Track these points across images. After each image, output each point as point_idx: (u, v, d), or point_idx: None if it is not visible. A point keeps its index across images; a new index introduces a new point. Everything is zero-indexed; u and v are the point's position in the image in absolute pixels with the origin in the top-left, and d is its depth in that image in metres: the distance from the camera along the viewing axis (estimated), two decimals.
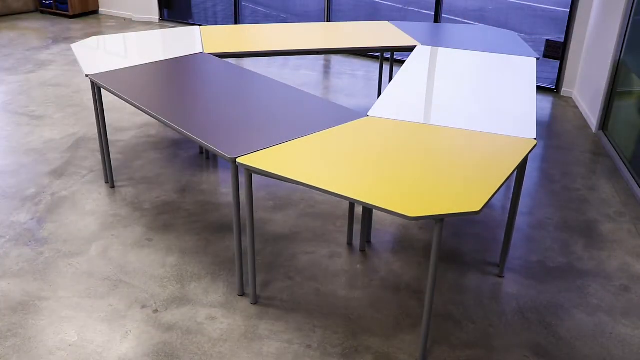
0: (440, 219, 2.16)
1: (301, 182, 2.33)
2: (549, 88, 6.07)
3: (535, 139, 2.77)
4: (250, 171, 2.49)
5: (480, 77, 3.61)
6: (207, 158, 4.29)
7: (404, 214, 2.12)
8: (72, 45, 4.09)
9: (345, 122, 2.91)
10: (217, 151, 2.57)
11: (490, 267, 3.17)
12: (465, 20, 10.69)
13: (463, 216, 2.44)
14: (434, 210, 2.15)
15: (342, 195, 2.24)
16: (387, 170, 2.44)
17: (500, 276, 3.07)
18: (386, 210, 2.15)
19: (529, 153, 2.63)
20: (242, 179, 3.98)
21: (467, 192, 2.28)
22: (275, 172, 2.40)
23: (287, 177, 2.37)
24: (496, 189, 2.31)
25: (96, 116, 3.66)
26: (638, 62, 4.34)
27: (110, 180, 3.84)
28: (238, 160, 2.50)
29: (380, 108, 3.09)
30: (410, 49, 4.38)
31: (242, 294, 2.87)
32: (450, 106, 3.15)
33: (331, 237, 3.40)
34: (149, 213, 3.59)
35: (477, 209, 2.16)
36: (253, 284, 2.80)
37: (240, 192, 3.85)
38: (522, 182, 2.88)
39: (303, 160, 2.50)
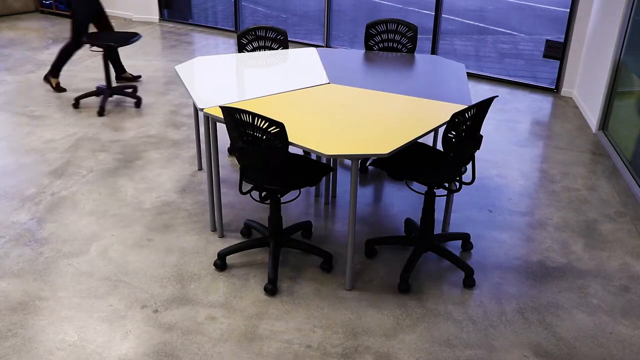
0: (356, 159, 2.67)
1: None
2: (549, 88, 6.07)
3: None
4: (215, 120, 2.87)
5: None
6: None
7: (321, 151, 2.60)
8: (177, 67, 3.65)
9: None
10: None
11: (491, 267, 3.17)
12: (466, 20, 10.69)
13: (373, 157, 2.68)
14: (349, 151, 2.63)
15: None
16: (329, 124, 2.92)
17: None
18: (309, 148, 2.63)
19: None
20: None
21: (384, 141, 2.74)
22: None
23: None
24: (407, 141, 2.73)
25: (213, 152, 3.19)
26: (638, 62, 4.34)
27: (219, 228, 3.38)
28: (205, 110, 2.95)
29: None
30: None
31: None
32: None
33: (331, 237, 3.40)
34: (149, 213, 3.59)
35: (386, 151, 2.62)
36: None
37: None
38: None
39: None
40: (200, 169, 4.16)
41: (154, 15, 8.58)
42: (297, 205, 3.73)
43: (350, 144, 2.71)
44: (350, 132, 2.83)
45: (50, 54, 6.78)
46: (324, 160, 3.85)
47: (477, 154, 4.48)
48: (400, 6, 12.12)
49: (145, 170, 4.11)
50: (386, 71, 3.80)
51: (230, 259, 3.16)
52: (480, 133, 2.90)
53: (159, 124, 4.90)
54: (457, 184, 3.03)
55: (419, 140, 2.87)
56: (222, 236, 3.37)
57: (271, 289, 2.90)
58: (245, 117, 2.59)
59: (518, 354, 2.58)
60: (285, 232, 3.22)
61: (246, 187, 3.56)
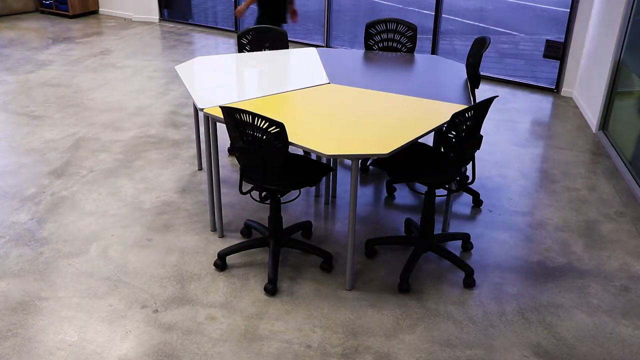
0: (356, 159, 2.69)
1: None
2: (549, 88, 6.06)
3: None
4: (215, 120, 2.92)
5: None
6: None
7: (321, 151, 2.61)
8: (177, 67, 3.66)
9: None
10: None
11: (491, 267, 3.17)
12: (466, 20, 10.69)
13: (373, 157, 2.69)
14: (349, 151, 2.65)
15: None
16: (329, 124, 2.93)
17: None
18: (309, 148, 2.64)
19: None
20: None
21: (384, 141, 2.75)
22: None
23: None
24: (407, 141, 2.74)
25: (213, 152, 3.18)
26: (638, 62, 4.34)
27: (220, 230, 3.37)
28: (205, 110, 2.95)
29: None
30: None
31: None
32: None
33: (331, 237, 3.40)
34: (149, 213, 3.59)
35: (386, 151, 2.63)
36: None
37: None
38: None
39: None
40: (200, 169, 4.15)
41: (154, 15, 8.57)
42: (297, 205, 3.73)
43: (350, 144, 2.71)
44: (350, 132, 2.83)
45: (50, 54, 6.78)
46: (324, 160, 3.85)
47: (477, 154, 4.48)
48: (400, 6, 12.11)
49: (145, 170, 4.11)
50: (386, 71, 3.80)
51: (230, 259, 3.16)
52: (480, 133, 2.91)
53: (159, 124, 4.90)
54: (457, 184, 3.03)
55: (419, 140, 2.87)
56: (222, 236, 3.37)
57: (271, 289, 2.90)
58: (245, 117, 2.59)
59: (518, 354, 2.58)
60: (285, 232, 3.22)
61: (246, 187, 3.55)
